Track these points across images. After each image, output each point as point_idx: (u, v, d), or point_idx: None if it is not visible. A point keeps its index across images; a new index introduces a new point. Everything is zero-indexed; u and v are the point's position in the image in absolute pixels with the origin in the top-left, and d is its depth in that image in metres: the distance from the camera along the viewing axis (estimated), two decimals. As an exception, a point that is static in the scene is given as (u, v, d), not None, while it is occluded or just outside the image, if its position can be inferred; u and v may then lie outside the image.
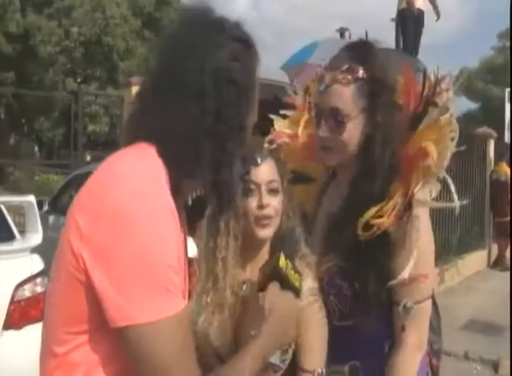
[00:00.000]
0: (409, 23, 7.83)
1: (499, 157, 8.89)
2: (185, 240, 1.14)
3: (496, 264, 8.46)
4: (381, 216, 1.29)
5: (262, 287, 1.17)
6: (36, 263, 3.13)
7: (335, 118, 1.35)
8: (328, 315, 1.34)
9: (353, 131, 1.36)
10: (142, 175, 0.92)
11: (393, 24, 8.42)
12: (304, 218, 1.47)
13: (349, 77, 1.33)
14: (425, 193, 1.34)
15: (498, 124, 10.84)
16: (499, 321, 5.54)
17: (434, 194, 1.36)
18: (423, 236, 1.34)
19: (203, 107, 0.94)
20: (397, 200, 1.30)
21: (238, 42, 0.99)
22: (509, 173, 8.51)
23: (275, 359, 1.15)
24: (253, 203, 1.30)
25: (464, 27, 67.20)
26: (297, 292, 1.17)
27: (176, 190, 0.96)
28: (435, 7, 7.88)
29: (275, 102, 1.70)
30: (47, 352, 0.97)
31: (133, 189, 0.89)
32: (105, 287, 0.87)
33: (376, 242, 1.31)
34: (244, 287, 1.32)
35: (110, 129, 12.85)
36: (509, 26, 24.56)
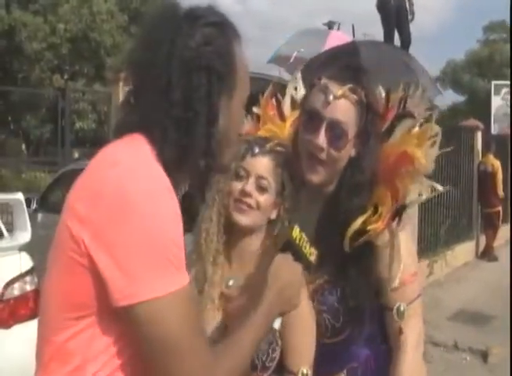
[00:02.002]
0: (388, 15, 7.85)
1: (486, 149, 8.97)
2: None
3: (484, 255, 8.55)
4: (375, 222, 1.30)
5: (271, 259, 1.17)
6: (25, 261, 3.10)
7: (336, 132, 1.32)
8: (320, 333, 1.35)
9: (348, 151, 1.35)
10: (136, 157, 0.94)
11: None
12: None
13: (355, 97, 1.33)
14: (414, 193, 1.36)
15: (484, 116, 10.98)
16: (487, 311, 5.61)
17: (424, 196, 1.37)
18: (404, 236, 1.37)
19: (172, 99, 0.95)
20: (389, 206, 1.31)
21: (210, 27, 0.99)
22: (496, 164, 8.60)
23: (275, 324, 1.16)
24: (238, 186, 1.31)
25: (450, 20, 67.45)
26: (308, 265, 1.17)
27: (169, 178, 0.96)
28: (411, 4, 7.93)
29: (260, 96, 1.69)
30: (43, 343, 0.97)
31: (129, 169, 0.91)
32: (109, 267, 0.87)
33: (363, 251, 1.32)
34: (231, 282, 1.33)
35: (98, 126, 12.75)
36: (493, 19, 24.71)
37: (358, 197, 1.33)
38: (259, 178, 1.31)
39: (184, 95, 0.96)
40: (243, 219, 1.30)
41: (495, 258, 8.32)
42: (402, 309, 1.35)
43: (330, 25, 9.13)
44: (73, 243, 0.90)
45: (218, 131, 0.99)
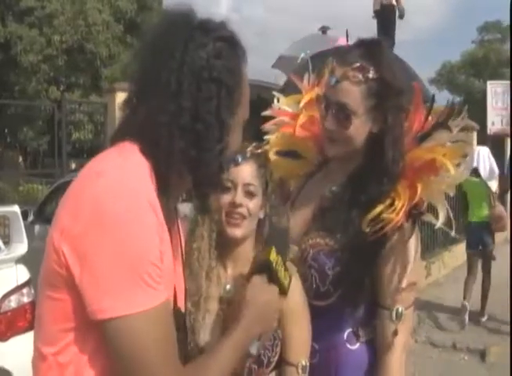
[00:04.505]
0: (390, 19, 8.02)
1: (481, 149, 8.98)
2: (180, 239, 1.16)
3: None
4: (391, 212, 1.32)
5: (249, 278, 1.16)
6: (22, 273, 3.12)
7: (342, 113, 1.38)
8: (306, 289, 1.37)
9: (359, 128, 1.39)
10: (121, 170, 0.93)
11: (373, 23, 8.58)
12: (284, 194, 1.55)
13: (360, 76, 1.36)
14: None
15: (480, 116, 10.98)
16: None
17: (441, 219, 1.39)
18: (413, 244, 1.39)
19: (180, 105, 0.95)
20: (405, 201, 1.33)
21: (222, 41, 1.00)
22: (491, 164, 8.59)
23: (253, 349, 1.14)
24: (227, 199, 1.32)
25: (445, 21, 67.67)
26: (283, 290, 1.16)
27: (164, 188, 0.97)
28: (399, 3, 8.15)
29: (258, 102, 1.72)
30: (39, 357, 0.98)
31: (111, 184, 0.90)
32: (84, 280, 0.88)
33: (377, 242, 1.35)
34: (228, 287, 1.34)
35: (95, 136, 12.77)
36: (488, 19, 24.77)
37: (381, 184, 1.36)
38: (246, 185, 1.33)
39: (193, 104, 0.96)
40: (238, 232, 1.32)
41: (493, 258, 8.30)
42: (400, 311, 1.38)
43: (324, 30, 9.19)
44: (55, 253, 0.91)
45: (227, 148, 1.00)
